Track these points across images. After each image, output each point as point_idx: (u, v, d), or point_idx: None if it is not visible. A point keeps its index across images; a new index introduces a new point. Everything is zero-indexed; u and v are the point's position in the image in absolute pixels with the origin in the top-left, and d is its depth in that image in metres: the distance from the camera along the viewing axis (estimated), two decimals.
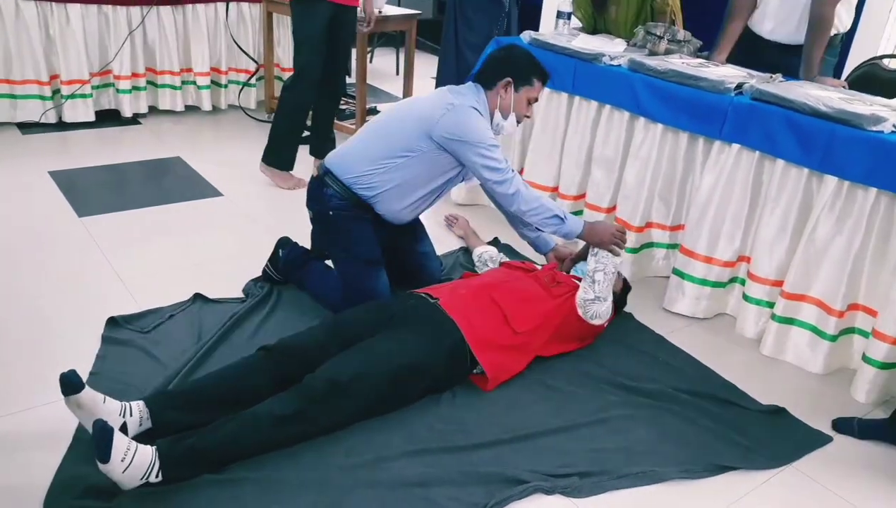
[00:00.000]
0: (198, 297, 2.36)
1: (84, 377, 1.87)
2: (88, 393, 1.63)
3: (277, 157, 3.37)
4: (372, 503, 1.62)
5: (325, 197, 2.28)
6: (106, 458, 1.49)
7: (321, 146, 3.54)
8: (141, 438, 1.63)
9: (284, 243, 2.52)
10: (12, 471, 1.64)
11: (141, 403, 1.72)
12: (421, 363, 1.92)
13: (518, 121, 2.36)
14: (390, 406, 1.90)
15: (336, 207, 2.27)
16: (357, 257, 2.30)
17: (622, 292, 2.44)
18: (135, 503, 1.54)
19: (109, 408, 1.65)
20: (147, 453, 1.56)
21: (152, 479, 1.56)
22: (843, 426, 2.04)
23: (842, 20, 2.68)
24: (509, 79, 2.27)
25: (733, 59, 2.84)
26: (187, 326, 2.21)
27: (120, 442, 1.52)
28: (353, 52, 3.80)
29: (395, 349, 1.89)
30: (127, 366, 2.00)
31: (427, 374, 1.94)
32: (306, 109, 3.37)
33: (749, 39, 2.88)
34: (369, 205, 2.28)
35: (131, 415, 1.68)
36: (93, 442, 1.51)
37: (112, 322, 2.18)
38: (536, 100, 2.36)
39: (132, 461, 1.53)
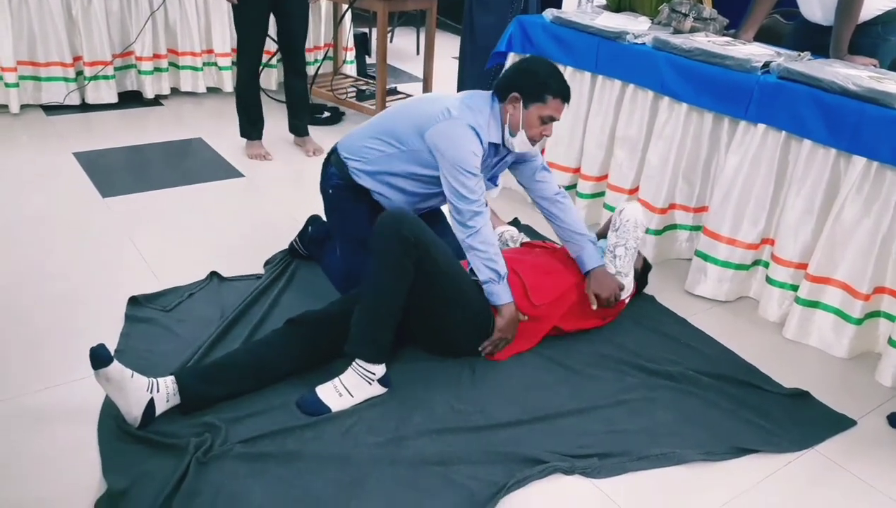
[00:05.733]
0: (214, 275, 2.39)
1: (112, 349, 1.93)
2: (116, 367, 1.67)
3: (241, 128, 3.55)
4: (393, 480, 1.63)
5: (328, 175, 2.30)
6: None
7: (296, 123, 3.66)
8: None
9: (314, 220, 2.56)
10: (42, 444, 1.68)
11: (169, 379, 1.76)
12: (447, 320, 2.00)
13: (531, 140, 2.12)
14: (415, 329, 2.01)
15: (335, 186, 2.28)
16: (348, 235, 2.29)
17: (643, 272, 2.43)
18: (156, 486, 1.56)
19: (137, 383, 1.70)
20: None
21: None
22: None
23: None
24: (517, 94, 2.08)
25: (790, 48, 2.72)
26: (208, 303, 2.25)
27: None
28: (361, 28, 3.77)
29: (425, 306, 1.95)
30: (151, 344, 2.04)
31: (450, 331, 2.01)
32: (248, 83, 3.44)
33: (805, 28, 2.82)
34: (366, 190, 2.24)
35: (158, 391, 1.72)
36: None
37: (134, 301, 2.21)
38: (553, 119, 2.11)
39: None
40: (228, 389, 1.81)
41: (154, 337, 2.07)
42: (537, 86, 2.08)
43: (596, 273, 2.19)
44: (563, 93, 2.10)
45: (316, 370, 1.93)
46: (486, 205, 2.09)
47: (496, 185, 2.35)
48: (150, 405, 1.70)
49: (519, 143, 2.13)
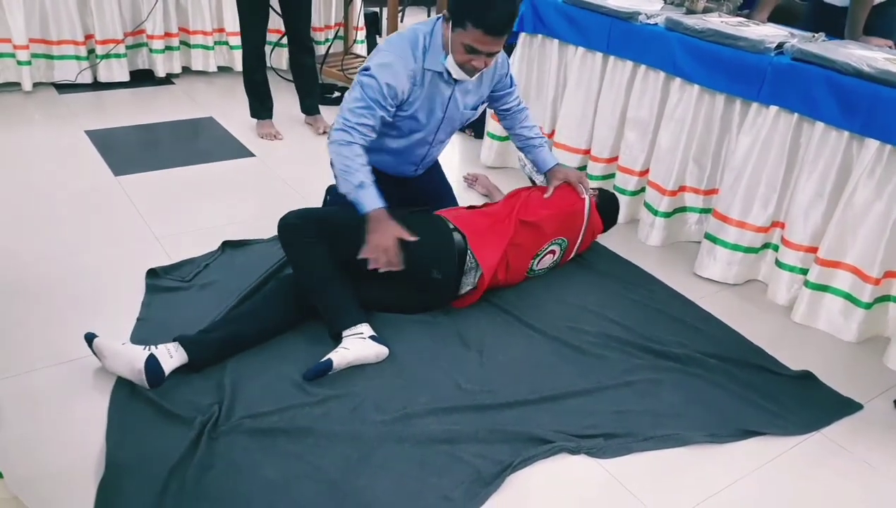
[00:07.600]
0: (227, 245, 2.44)
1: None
2: (103, 340, 1.78)
3: (250, 108, 3.56)
4: (400, 458, 1.65)
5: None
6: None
7: (307, 102, 3.67)
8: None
9: (332, 189, 2.56)
10: (62, 416, 1.71)
11: (171, 344, 1.82)
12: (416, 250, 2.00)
13: (461, 67, 1.99)
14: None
15: None
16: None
17: (608, 202, 2.61)
18: (159, 461, 1.59)
19: (131, 347, 1.78)
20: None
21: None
22: None
23: None
24: (446, 14, 1.95)
25: (804, 29, 2.69)
26: (225, 271, 2.30)
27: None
28: (372, 8, 3.75)
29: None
30: (171, 312, 2.09)
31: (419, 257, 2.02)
32: (254, 64, 3.43)
33: (821, 10, 2.79)
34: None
35: (157, 349, 1.78)
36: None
37: (152, 272, 2.26)
38: (474, 50, 1.92)
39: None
40: (228, 333, 1.88)
41: (174, 305, 2.13)
42: (460, 10, 1.89)
43: (555, 170, 2.41)
44: (487, 24, 1.85)
45: (313, 325, 2.00)
46: (366, 137, 2.01)
47: (475, 111, 2.32)
48: (153, 360, 1.75)
49: (451, 66, 2.01)
